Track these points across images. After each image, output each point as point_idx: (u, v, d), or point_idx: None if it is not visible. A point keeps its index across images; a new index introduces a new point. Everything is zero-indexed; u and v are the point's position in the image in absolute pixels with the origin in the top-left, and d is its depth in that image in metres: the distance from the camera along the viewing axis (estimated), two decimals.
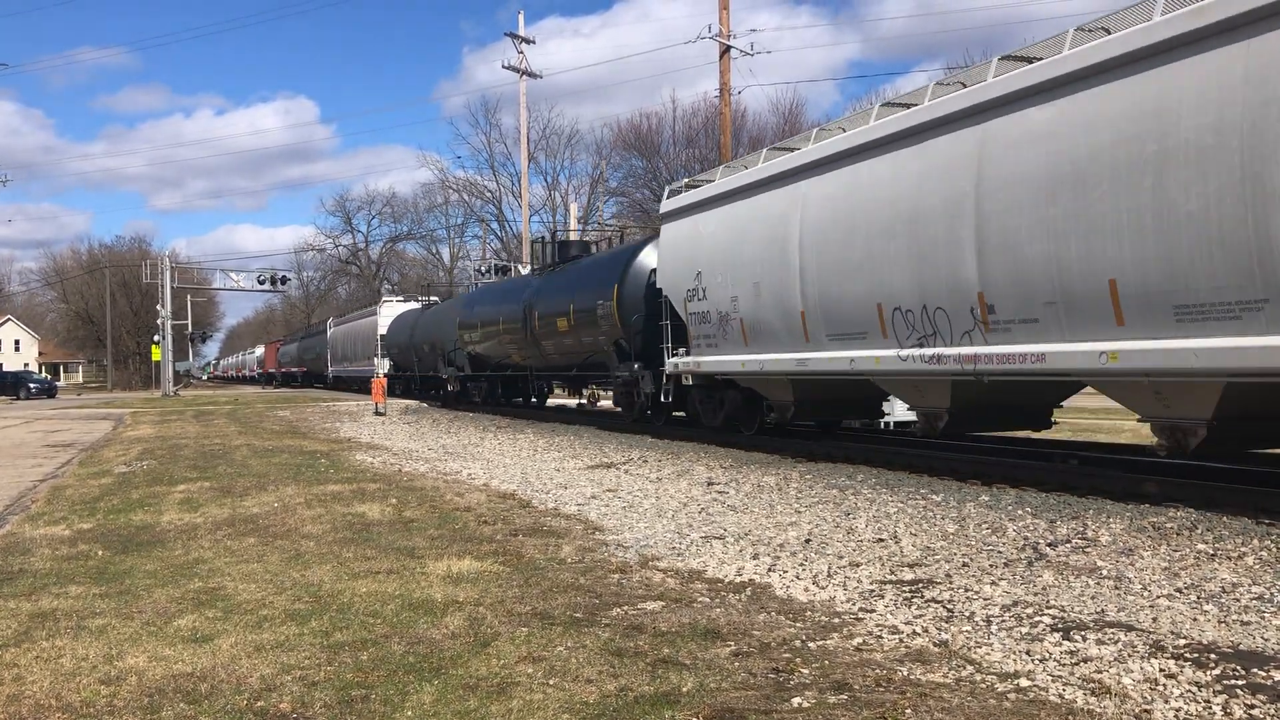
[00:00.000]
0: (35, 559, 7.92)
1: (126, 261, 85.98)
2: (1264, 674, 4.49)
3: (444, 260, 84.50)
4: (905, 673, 4.63)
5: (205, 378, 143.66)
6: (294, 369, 74.07)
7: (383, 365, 40.78)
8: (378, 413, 29.35)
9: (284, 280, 58.74)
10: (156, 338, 58.41)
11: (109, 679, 4.87)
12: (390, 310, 44.41)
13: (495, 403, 29.66)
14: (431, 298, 39.42)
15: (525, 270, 35.01)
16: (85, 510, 10.60)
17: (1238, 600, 5.78)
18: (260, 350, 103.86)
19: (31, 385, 59.86)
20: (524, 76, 43.97)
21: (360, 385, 47.69)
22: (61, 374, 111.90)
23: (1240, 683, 4.39)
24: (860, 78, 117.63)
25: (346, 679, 4.76)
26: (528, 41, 44.02)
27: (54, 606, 6.33)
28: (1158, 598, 5.90)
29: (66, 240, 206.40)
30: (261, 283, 56.13)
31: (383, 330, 42.63)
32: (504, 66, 44.30)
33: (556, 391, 34.30)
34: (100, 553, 8.11)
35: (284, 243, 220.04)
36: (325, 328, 60.90)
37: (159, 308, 56.11)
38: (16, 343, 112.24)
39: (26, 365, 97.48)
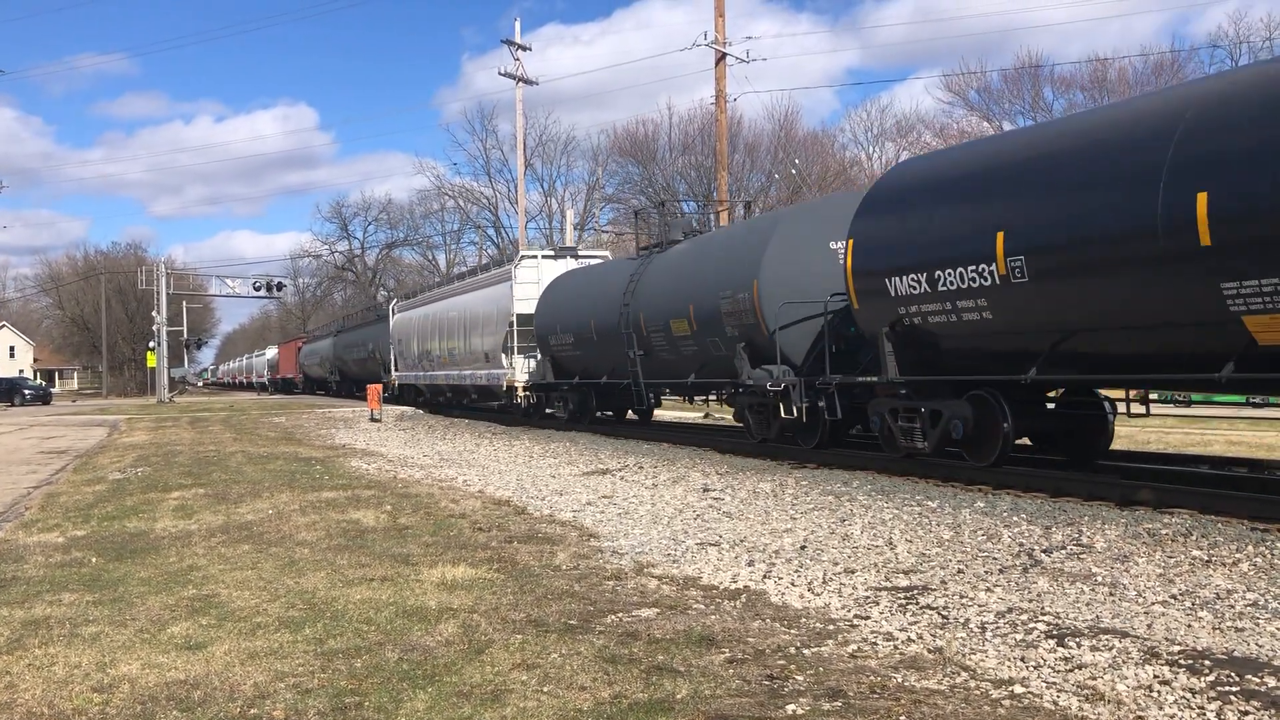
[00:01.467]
0: (28, 566, 7.89)
1: (122, 268, 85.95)
2: (1258, 680, 4.49)
3: (440, 267, 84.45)
4: (900, 679, 4.63)
5: (201, 384, 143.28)
6: (325, 375, 57.65)
7: (520, 366, 24.73)
8: (373, 419, 29.32)
9: (280, 286, 58.69)
10: (152, 344, 58.32)
11: (101, 687, 4.85)
12: (534, 273, 25.22)
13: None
14: (655, 244, 20.06)
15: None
16: (79, 517, 10.57)
17: (1232, 607, 5.78)
18: (272, 352, 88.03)
19: (26, 391, 59.83)
20: (520, 83, 44.00)
21: (467, 406, 32.31)
22: (57, 380, 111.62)
23: (1234, 689, 4.39)
24: (856, 84, 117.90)
25: (340, 686, 4.75)
26: (524, 48, 44.04)
27: (47, 614, 6.31)
28: (1152, 604, 5.90)
29: (64, 247, 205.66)
30: (257, 289, 56.08)
31: (524, 306, 24.55)
32: (500, 73, 44.30)
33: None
34: (94, 560, 8.09)
35: (282, 249, 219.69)
36: (385, 312, 43.39)
37: (154, 314, 56.07)
38: (11, 349, 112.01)
39: (21, 371, 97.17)
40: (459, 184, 79.73)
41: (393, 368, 38.39)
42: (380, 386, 31.99)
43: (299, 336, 75.38)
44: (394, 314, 39.38)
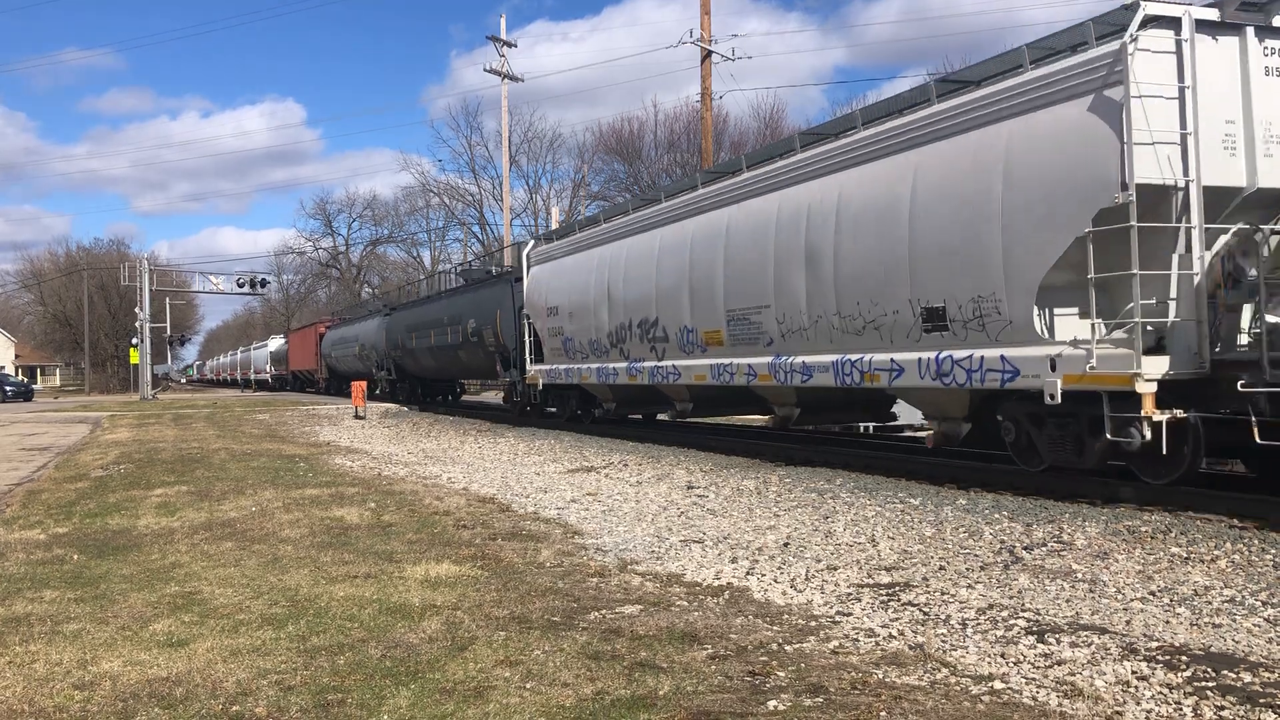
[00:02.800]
0: (9, 563, 7.86)
1: (105, 264, 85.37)
2: (1234, 675, 4.54)
3: (425, 264, 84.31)
4: (880, 675, 4.66)
5: (184, 381, 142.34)
6: (368, 369, 39.38)
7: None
8: (357, 416, 29.22)
9: (263, 283, 58.33)
10: (135, 341, 57.98)
11: (83, 684, 4.84)
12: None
13: None
14: None
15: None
16: (61, 514, 10.52)
17: (1210, 603, 5.84)
18: (277, 343, 71.61)
19: (8, 388, 59.37)
20: (505, 80, 43.97)
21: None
22: (39, 377, 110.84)
23: (1211, 684, 4.44)
24: (843, 83, 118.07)
25: (323, 683, 4.75)
26: (509, 45, 44.04)
27: (28, 611, 6.29)
28: (1131, 601, 5.96)
29: (46, 243, 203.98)
30: (241, 286, 55.74)
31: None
32: (485, 70, 44.29)
33: None
34: (76, 557, 8.06)
35: (266, 245, 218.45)
36: (492, 271, 29.69)
37: (137, 310, 55.74)
38: None
39: (2, 368, 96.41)
40: (444, 181, 79.49)
41: (527, 357, 22.60)
42: (365, 384, 31.29)
43: (320, 321, 57.42)
44: (530, 265, 22.70)
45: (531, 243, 23.46)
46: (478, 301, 26.86)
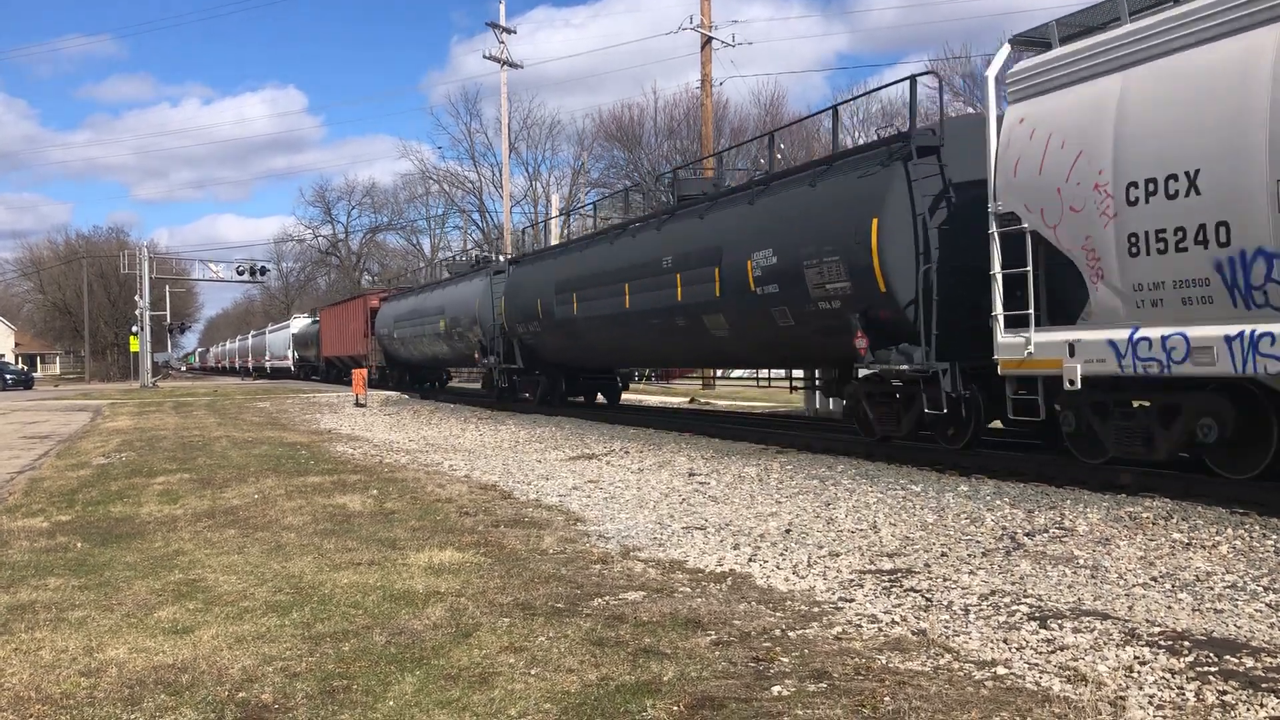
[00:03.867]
0: (13, 551, 7.87)
1: (104, 252, 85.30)
2: (1236, 660, 4.56)
3: (425, 252, 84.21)
4: (884, 661, 4.68)
5: (184, 369, 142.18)
6: (467, 352, 28.36)
7: None
8: (358, 404, 29.23)
9: (263, 271, 58.23)
10: (134, 329, 57.96)
11: (89, 670, 4.86)
12: None
13: None
14: None
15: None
16: (64, 502, 10.54)
17: (1211, 589, 5.86)
18: (300, 324, 60.00)
19: (8, 376, 59.42)
20: (505, 66, 43.86)
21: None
22: (39, 365, 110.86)
23: (1213, 669, 4.45)
24: (843, 69, 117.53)
25: (328, 670, 4.76)
26: (509, 31, 43.90)
27: (33, 598, 6.30)
28: (1133, 586, 5.97)
29: (46, 231, 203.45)
30: (240, 273, 55.66)
31: None
32: (485, 56, 44.20)
33: None
34: (79, 544, 8.08)
35: (267, 233, 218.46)
36: (875, 145, 12.41)
37: (137, 298, 55.74)
38: None
39: (2, 356, 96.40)
40: (443, 168, 79.27)
41: (1000, 314, 10.02)
42: (365, 371, 31.04)
43: (371, 291, 45.39)
44: (1020, 96, 9.77)
45: (1005, 50, 10.42)
46: (786, 208, 13.61)
